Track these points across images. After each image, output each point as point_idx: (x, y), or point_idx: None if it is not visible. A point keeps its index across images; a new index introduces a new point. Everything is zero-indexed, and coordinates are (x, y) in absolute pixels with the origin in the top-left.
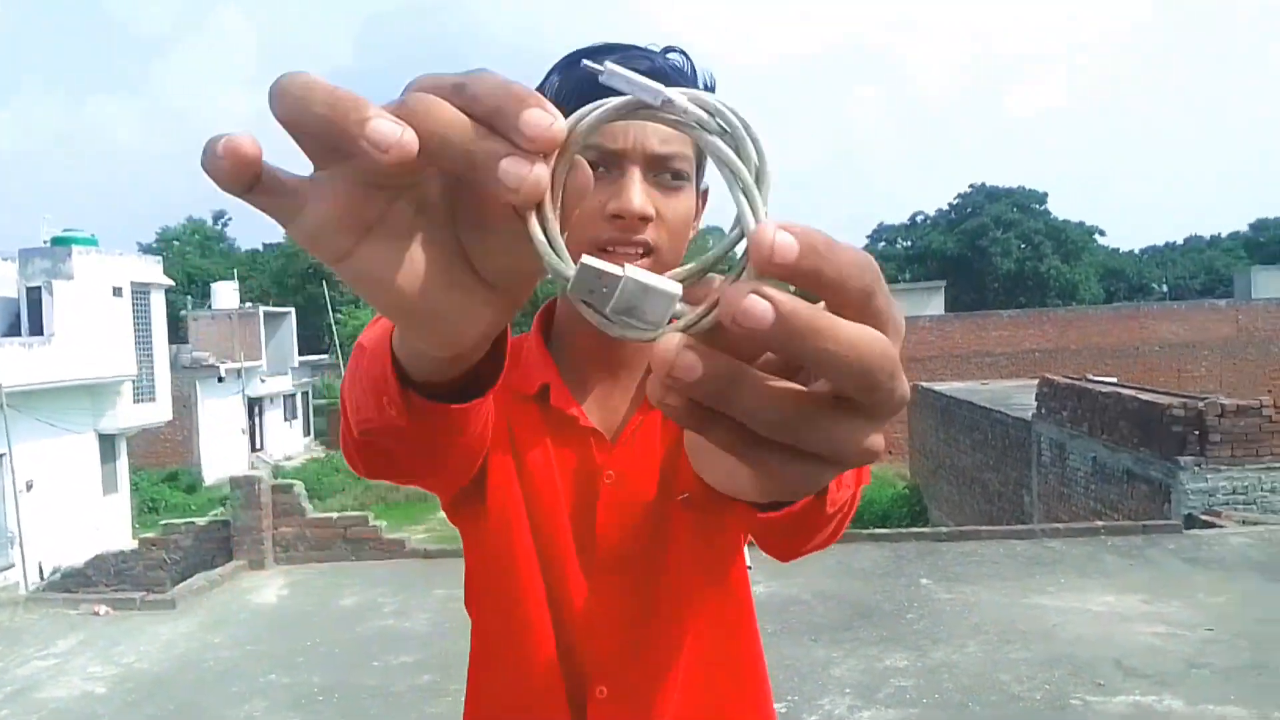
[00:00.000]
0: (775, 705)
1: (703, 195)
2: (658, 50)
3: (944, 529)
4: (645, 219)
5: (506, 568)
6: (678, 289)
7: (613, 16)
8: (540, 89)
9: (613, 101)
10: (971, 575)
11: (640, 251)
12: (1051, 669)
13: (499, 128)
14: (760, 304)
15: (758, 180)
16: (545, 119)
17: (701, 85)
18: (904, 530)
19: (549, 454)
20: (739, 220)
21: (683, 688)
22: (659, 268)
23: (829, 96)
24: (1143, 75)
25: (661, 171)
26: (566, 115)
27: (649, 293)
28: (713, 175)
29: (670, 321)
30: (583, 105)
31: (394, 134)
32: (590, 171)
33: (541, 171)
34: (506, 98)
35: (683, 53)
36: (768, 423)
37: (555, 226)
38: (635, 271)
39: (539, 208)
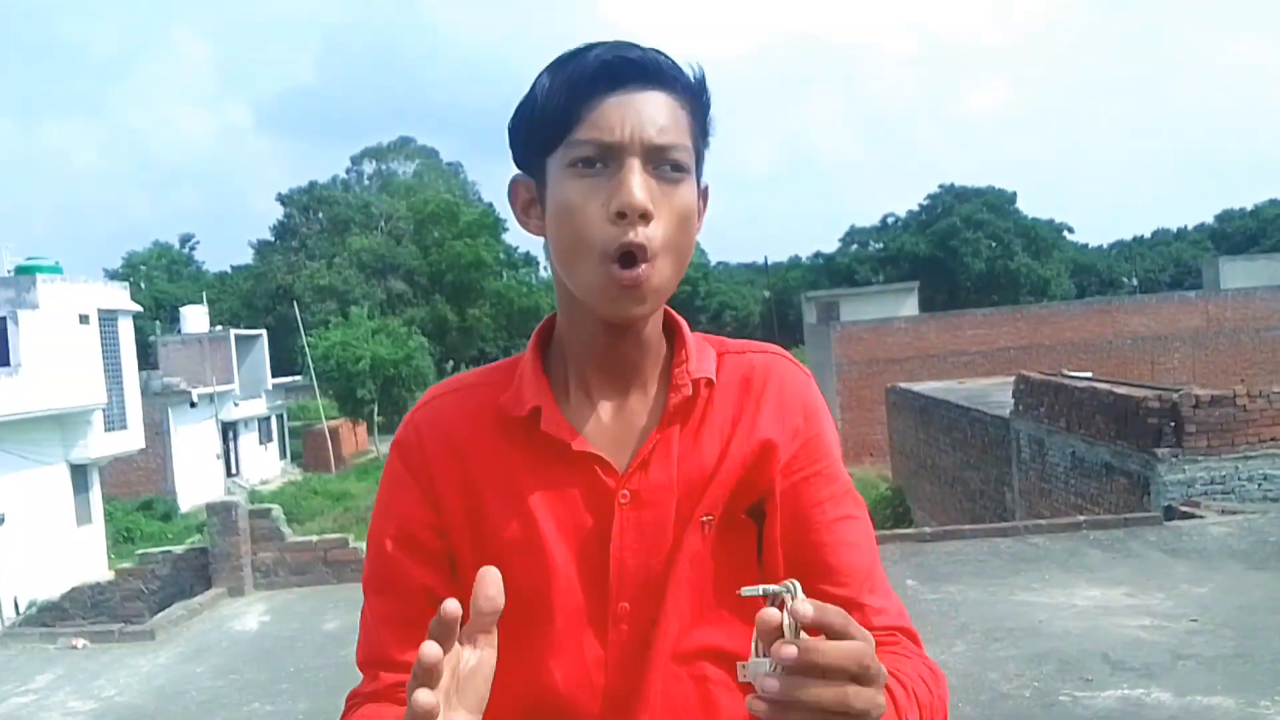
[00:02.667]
0: None
1: (703, 193)
2: (638, 44)
3: (928, 529)
4: (647, 216)
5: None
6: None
7: (566, 25)
8: (531, 91)
9: None
10: (956, 575)
11: (647, 255)
12: (1039, 665)
13: None
14: (789, 649)
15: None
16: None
17: (690, 75)
18: (888, 532)
19: (546, 482)
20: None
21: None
22: (665, 263)
23: (793, 100)
24: (1103, 71)
25: (661, 163)
26: (557, 110)
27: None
28: (710, 175)
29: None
30: (572, 100)
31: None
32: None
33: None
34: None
35: (661, 51)
36: (817, 704)
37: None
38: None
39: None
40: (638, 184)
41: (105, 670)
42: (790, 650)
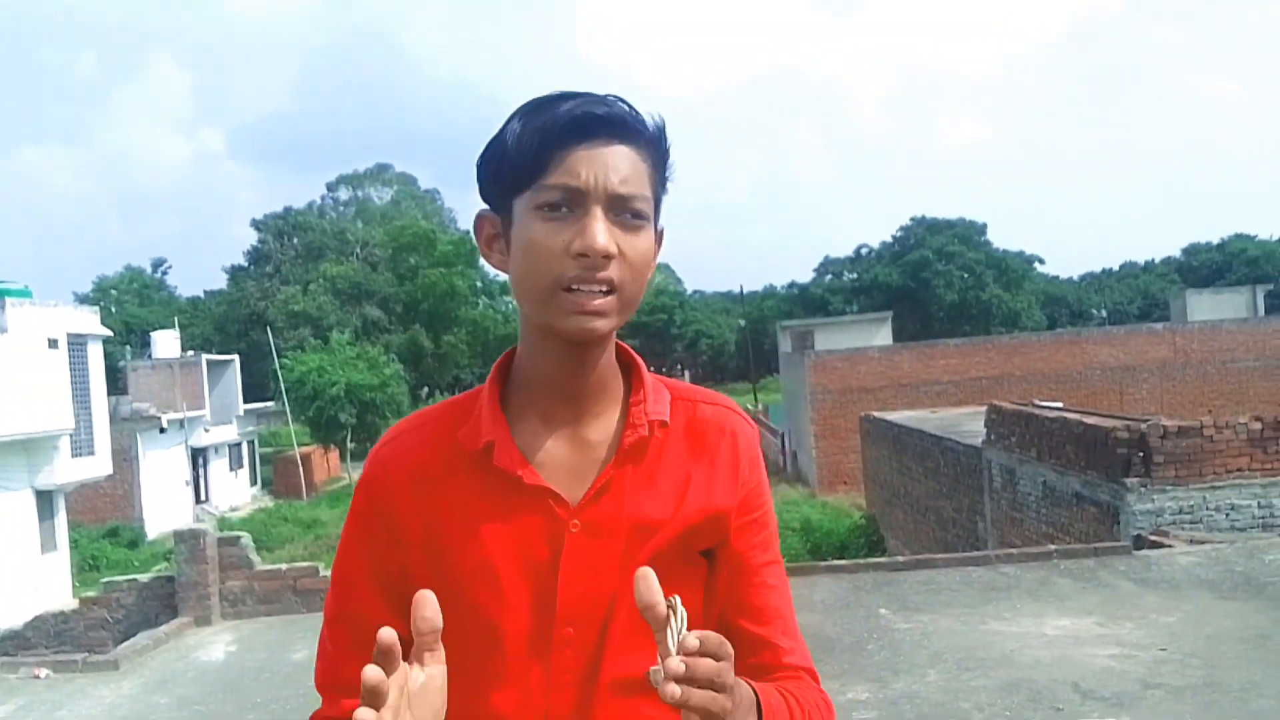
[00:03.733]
0: None
1: (659, 236)
2: (605, 95)
3: (900, 559)
4: (608, 257)
5: (450, 644)
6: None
7: (545, 53)
8: (501, 134)
9: None
10: (929, 604)
11: (604, 289)
12: (1011, 694)
13: None
14: (676, 670)
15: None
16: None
17: (651, 126)
18: (861, 561)
19: (501, 514)
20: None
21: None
22: (622, 304)
23: (768, 131)
24: (1073, 106)
25: (622, 211)
26: (528, 156)
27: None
28: (687, 206)
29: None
30: (543, 149)
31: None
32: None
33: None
34: None
35: (625, 101)
36: (693, 704)
37: None
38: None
39: None
40: (601, 229)
41: (68, 700)
42: (678, 666)
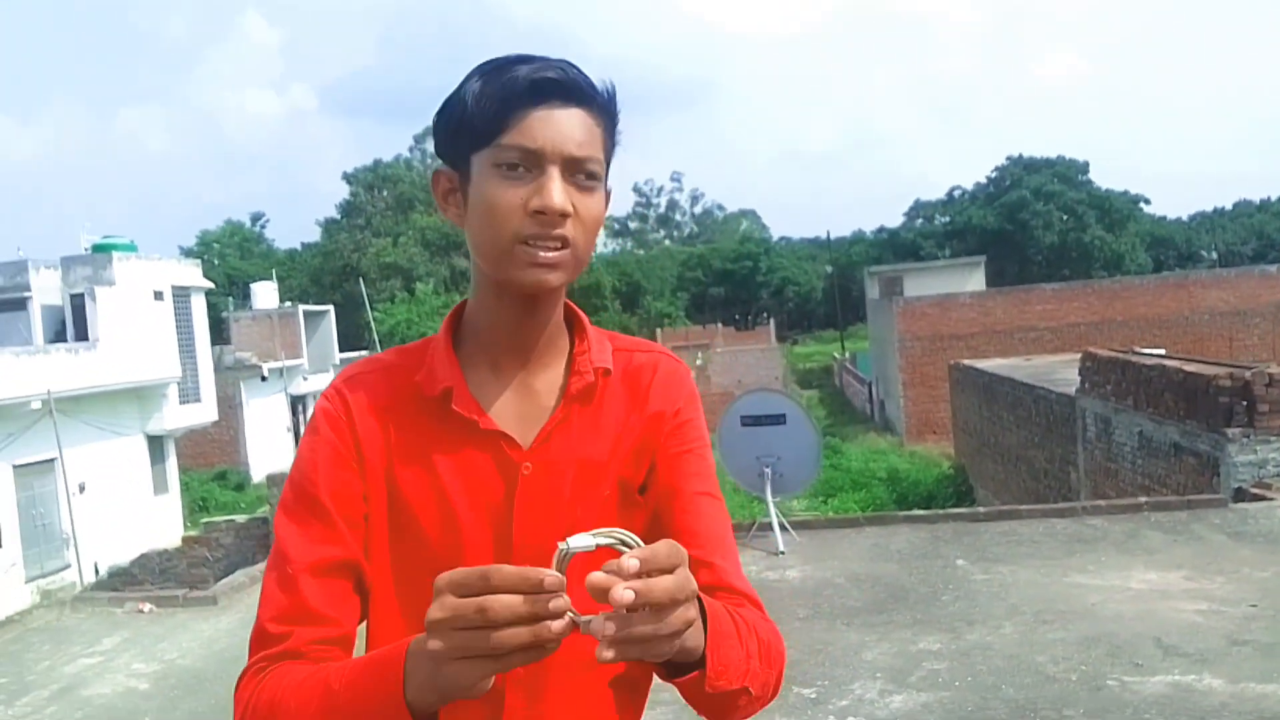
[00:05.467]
0: (806, 691)
1: (607, 196)
2: (560, 60)
3: (981, 509)
4: (565, 215)
5: (412, 578)
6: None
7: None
8: (460, 93)
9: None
10: (1009, 555)
11: (559, 245)
12: (1089, 649)
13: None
14: (625, 594)
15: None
16: (553, 581)
17: (603, 92)
18: (940, 511)
19: (457, 457)
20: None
21: (579, 681)
22: (574, 260)
23: (854, 70)
24: (1178, 33)
25: (577, 172)
26: (487, 116)
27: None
28: (771, 151)
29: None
30: (503, 110)
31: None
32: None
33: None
34: (521, 582)
35: (577, 68)
36: (643, 636)
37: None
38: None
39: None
40: (558, 189)
41: (169, 634)
42: (628, 595)
